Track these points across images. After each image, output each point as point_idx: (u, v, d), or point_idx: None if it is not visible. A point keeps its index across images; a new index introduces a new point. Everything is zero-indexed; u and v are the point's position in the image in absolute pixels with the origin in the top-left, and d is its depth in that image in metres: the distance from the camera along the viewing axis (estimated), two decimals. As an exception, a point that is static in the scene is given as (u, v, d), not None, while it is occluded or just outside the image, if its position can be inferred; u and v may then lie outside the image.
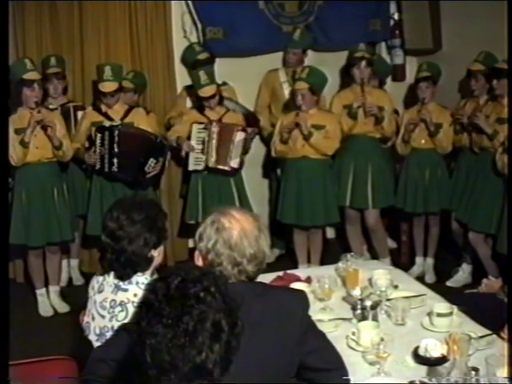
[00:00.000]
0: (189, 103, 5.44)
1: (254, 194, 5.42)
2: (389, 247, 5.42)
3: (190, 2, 5.59)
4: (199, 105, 5.08)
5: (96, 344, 2.51)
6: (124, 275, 2.50)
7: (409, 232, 5.42)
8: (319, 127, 4.84)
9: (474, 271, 4.94)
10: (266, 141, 5.45)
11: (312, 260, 5.15)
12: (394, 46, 6.02)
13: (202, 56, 5.35)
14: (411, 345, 2.56)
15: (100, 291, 2.56)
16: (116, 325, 2.43)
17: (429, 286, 3.65)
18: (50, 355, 2.81)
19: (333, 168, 5.09)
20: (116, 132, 4.68)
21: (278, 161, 5.27)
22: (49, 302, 4.90)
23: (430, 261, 5.23)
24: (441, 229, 5.17)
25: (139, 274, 2.50)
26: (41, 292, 4.88)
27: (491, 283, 3.59)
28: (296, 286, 3.10)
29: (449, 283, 4.98)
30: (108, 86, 4.73)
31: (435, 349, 2.41)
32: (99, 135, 4.71)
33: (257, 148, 5.57)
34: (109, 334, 2.45)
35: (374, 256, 5.23)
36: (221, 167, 4.94)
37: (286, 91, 5.45)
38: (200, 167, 4.99)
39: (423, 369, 2.43)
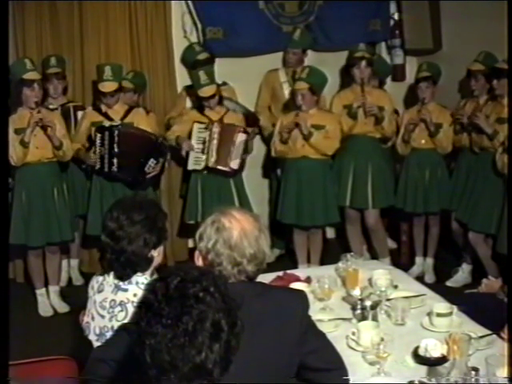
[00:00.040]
0: (189, 103, 5.44)
1: (254, 194, 5.42)
2: (389, 247, 5.42)
3: (189, 2, 5.60)
4: (199, 105, 5.08)
5: (96, 344, 2.51)
6: (124, 275, 2.50)
7: (409, 232, 5.42)
8: (319, 127, 4.84)
9: (473, 271, 4.94)
10: (267, 141, 5.45)
11: (312, 260, 5.15)
12: (394, 46, 6.02)
13: (202, 56, 5.35)
14: (411, 345, 2.56)
15: (100, 291, 2.56)
16: (116, 325, 2.43)
17: (429, 286, 3.65)
18: (50, 355, 2.81)
19: (333, 168, 5.09)
20: (116, 132, 4.68)
21: (278, 161, 5.27)
22: (49, 302, 4.90)
23: (429, 261, 5.23)
24: (441, 229, 5.17)
25: (139, 274, 2.50)
26: (41, 292, 4.89)
27: (491, 283, 3.59)
28: (296, 285, 3.10)
29: (449, 283, 4.98)
30: (108, 86, 4.73)
31: (435, 349, 2.41)
32: (99, 135, 4.71)
33: (257, 148, 5.58)
34: (109, 334, 2.45)
35: (374, 256, 5.22)
36: (221, 168, 4.94)
37: (286, 91, 5.45)
38: (200, 167, 4.99)
39: (423, 369, 2.43)
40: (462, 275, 4.99)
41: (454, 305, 2.89)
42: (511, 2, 4.22)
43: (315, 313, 2.64)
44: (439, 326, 2.78)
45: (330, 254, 5.08)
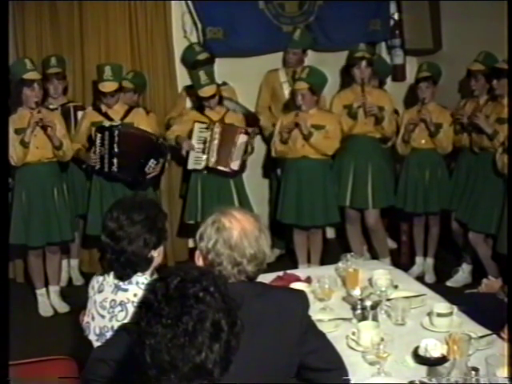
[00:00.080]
0: (189, 103, 5.44)
1: (254, 194, 5.42)
2: (389, 247, 5.42)
3: (189, 2, 5.59)
4: (199, 105, 5.08)
5: (96, 344, 2.51)
6: (124, 275, 2.50)
7: (409, 232, 5.42)
8: (319, 127, 4.84)
9: (474, 271, 4.94)
10: (267, 141, 5.45)
11: (312, 260, 5.15)
12: (393, 45, 6.02)
13: (202, 56, 5.35)
14: (411, 345, 2.56)
15: (100, 291, 2.56)
16: (116, 325, 2.43)
17: (429, 286, 3.65)
18: (50, 355, 2.81)
19: (333, 168, 5.09)
20: (116, 132, 4.68)
21: (278, 161, 5.27)
22: (49, 302, 4.90)
23: (429, 261, 5.23)
24: (441, 229, 5.17)
25: (139, 274, 2.50)
26: (41, 292, 4.88)
27: (491, 283, 3.59)
28: (296, 285, 3.10)
29: (449, 283, 4.98)
30: (108, 86, 4.73)
31: (435, 349, 2.42)
32: (99, 135, 4.71)
33: (257, 148, 5.57)
34: (109, 334, 2.45)
35: (374, 256, 5.22)
36: (221, 168, 4.93)
37: (286, 91, 5.45)
38: (200, 166, 4.98)
39: (423, 369, 2.43)
40: (462, 275, 4.98)
41: (454, 305, 2.89)
42: (511, 2, 4.22)
43: (315, 313, 2.64)
44: (439, 325, 2.78)
45: (330, 254, 5.08)
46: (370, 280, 3.19)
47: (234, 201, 4.98)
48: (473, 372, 2.29)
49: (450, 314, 2.82)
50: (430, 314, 2.85)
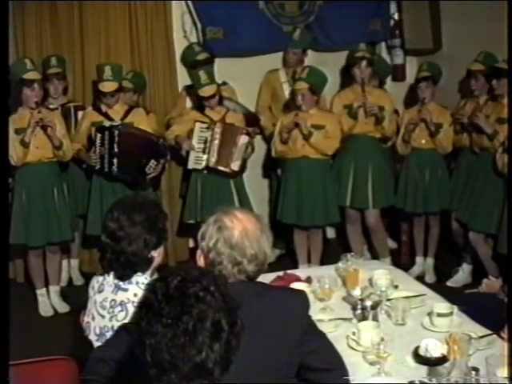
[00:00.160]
0: (189, 103, 5.44)
1: (254, 194, 5.41)
2: (389, 247, 5.42)
3: (189, 2, 5.59)
4: (199, 105, 5.08)
5: (96, 344, 2.51)
6: (124, 275, 2.50)
7: (409, 232, 5.42)
8: (319, 127, 4.84)
9: (474, 271, 4.94)
10: (268, 141, 5.45)
11: (312, 260, 5.15)
12: (394, 45, 6.02)
13: (202, 56, 5.34)
14: (411, 345, 2.56)
15: (100, 291, 2.56)
16: (116, 325, 2.43)
17: (429, 285, 3.65)
18: (50, 355, 2.80)
19: (333, 168, 5.09)
20: (116, 132, 4.68)
21: (278, 161, 5.27)
22: (49, 301, 4.90)
23: (430, 261, 5.23)
24: (441, 229, 5.17)
25: (139, 274, 2.50)
26: (41, 292, 4.88)
27: (491, 283, 3.59)
28: (296, 285, 3.10)
29: (449, 283, 4.98)
30: (108, 86, 4.73)
31: (435, 349, 2.42)
32: (99, 135, 4.71)
33: (257, 148, 5.57)
34: (109, 334, 2.45)
35: (375, 256, 5.22)
36: (221, 168, 4.93)
37: (287, 91, 5.45)
38: (200, 166, 4.98)
39: (423, 369, 2.43)
40: (462, 275, 4.98)
41: (455, 305, 2.89)
42: (511, 2, 4.22)
43: (315, 313, 2.64)
44: (439, 325, 2.78)
45: (331, 254, 5.08)
46: (370, 280, 3.19)
47: (234, 201, 4.98)
48: (473, 372, 2.29)
49: (450, 313, 2.82)
50: (430, 314, 2.85)
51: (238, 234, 2.02)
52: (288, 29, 5.69)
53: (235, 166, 4.93)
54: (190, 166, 5.02)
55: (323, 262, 4.97)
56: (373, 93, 5.04)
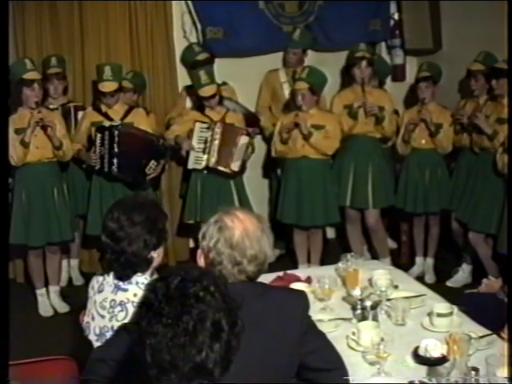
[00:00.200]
0: (189, 103, 5.44)
1: (254, 194, 5.42)
2: (389, 247, 5.42)
3: (189, 2, 5.59)
4: (199, 105, 5.08)
5: (96, 344, 2.51)
6: (123, 275, 2.50)
7: (409, 232, 5.42)
8: (319, 127, 4.84)
9: (474, 271, 4.94)
10: (268, 141, 5.45)
11: (312, 260, 5.15)
12: (394, 45, 6.02)
13: (201, 56, 5.34)
14: (411, 345, 2.56)
15: (100, 291, 2.56)
16: (116, 325, 2.43)
17: (429, 286, 3.65)
18: (50, 355, 2.80)
19: (333, 168, 5.09)
20: (116, 132, 4.68)
21: (278, 161, 5.27)
22: (49, 302, 4.90)
23: (429, 261, 5.23)
24: (441, 229, 5.17)
25: (139, 274, 2.50)
26: (41, 292, 4.88)
27: (491, 283, 3.58)
28: (296, 286, 3.10)
29: (449, 283, 4.98)
30: (108, 86, 4.73)
31: (435, 349, 2.42)
32: (99, 135, 4.71)
33: (257, 148, 5.57)
34: (109, 334, 2.45)
35: (374, 256, 5.22)
36: (221, 168, 4.93)
37: (287, 91, 5.45)
38: (200, 166, 4.98)
39: (423, 369, 2.43)
40: (462, 275, 4.98)
41: (454, 305, 2.90)
42: (511, 2, 4.22)
43: (315, 313, 2.64)
44: (439, 326, 2.78)
45: (331, 254, 5.08)
46: (370, 280, 3.19)
47: (234, 201, 4.98)
48: (473, 372, 2.29)
49: (450, 314, 2.82)
50: (430, 314, 2.85)
51: (239, 234, 2.02)
52: (288, 29, 5.69)
53: (235, 166, 4.93)
54: (190, 166, 5.02)
55: (323, 262, 4.97)
56: (373, 93, 5.04)
